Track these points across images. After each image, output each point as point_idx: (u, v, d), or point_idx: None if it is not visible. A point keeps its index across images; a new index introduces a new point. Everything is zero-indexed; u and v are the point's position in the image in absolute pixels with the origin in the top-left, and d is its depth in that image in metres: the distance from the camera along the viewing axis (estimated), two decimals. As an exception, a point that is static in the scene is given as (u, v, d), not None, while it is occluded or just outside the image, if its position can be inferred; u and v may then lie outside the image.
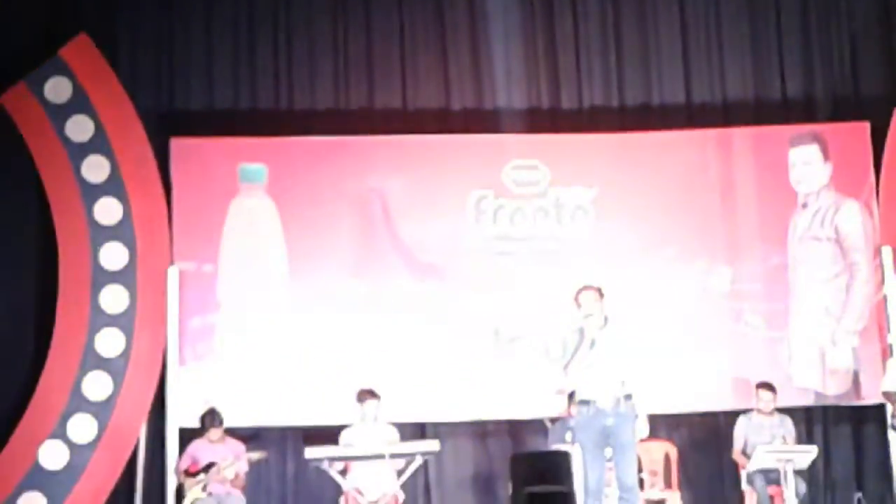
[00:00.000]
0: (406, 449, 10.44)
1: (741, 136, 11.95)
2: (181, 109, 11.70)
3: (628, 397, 8.41)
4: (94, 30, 11.17)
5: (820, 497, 11.54)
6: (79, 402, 10.65)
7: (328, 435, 10.67)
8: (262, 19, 11.91)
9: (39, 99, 11.00)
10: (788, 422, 11.03)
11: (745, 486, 10.92)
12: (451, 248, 11.56)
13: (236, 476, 10.44)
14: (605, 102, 12.19)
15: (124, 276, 10.96)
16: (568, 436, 10.24)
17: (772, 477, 10.64)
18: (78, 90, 11.05)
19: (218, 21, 11.86)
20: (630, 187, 11.69)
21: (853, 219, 11.75)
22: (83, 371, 10.69)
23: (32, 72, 11.01)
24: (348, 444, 10.50)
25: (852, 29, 12.34)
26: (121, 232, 11.00)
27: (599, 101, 12.19)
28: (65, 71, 11.04)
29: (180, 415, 10.87)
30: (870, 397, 11.44)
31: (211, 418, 10.53)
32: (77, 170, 10.97)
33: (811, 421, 11.74)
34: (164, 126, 11.44)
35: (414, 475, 10.62)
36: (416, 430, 11.32)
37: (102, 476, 10.58)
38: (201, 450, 10.52)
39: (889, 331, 11.37)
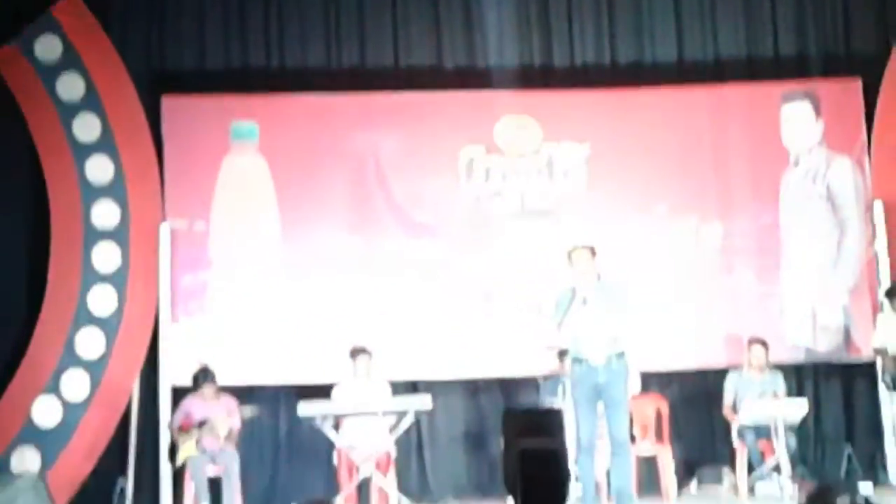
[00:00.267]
0: (398, 405, 10.49)
1: (733, 94, 11.96)
2: (172, 68, 11.69)
3: (620, 355, 8.46)
4: (85, -13, 11.14)
5: (810, 452, 11.60)
6: (72, 360, 10.67)
7: (321, 392, 10.71)
8: (254, -23, 11.87)
9: (30, 57, 10.96)
10: (779, 378, 11.08)
11: (735, 441, 10.97)
12: (443, 205, 11.57)
13: (229, 433, 10.47)
14: (597, 60, 12.18)
15: (116, 234, 10.95)
16: (560, 392, 10.31)
17: (762, 432, 10.69)
18: (69, 48, 11.02)
19: (209, -22, 11.83)
20: (622, 144, 11.69)
21: (845, 176, 11.76)
22: (76, 328, 10.71)
23: (23, 30, 10.96)
24: (340, 400, 10.54)
25: (845, -14, 12.33)
26: (112, 190, 10.99)
27: (591, 58, 12.18)
28: (55, 29, 11.00)
29: (173, 372, 10.90)
30: (860, 353, 11.49)
31: (203, 376, 10.56)
32: (68, 128, 10.94)
33: (802, 377, 11.80)
34: (155, 84, 11.42)
35: (406, 432, 10.67)
36: (409, 388, 11.35)
37: (96, 433, 10.61)
38: (194, 407, 10.55)
39: (880, 287, 11.40)
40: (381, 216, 11.55)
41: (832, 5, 12.32)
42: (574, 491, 8.29)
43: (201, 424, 10.40)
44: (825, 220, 11.72)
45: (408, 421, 10.45)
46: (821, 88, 11.93)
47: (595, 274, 8.56)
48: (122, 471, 10.81)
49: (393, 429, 10.50)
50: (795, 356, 11.59)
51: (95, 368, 10.70)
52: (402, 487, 10.73)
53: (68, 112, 10.96)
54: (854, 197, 11.72)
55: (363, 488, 10.66)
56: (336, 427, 10.50)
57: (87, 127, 10.97)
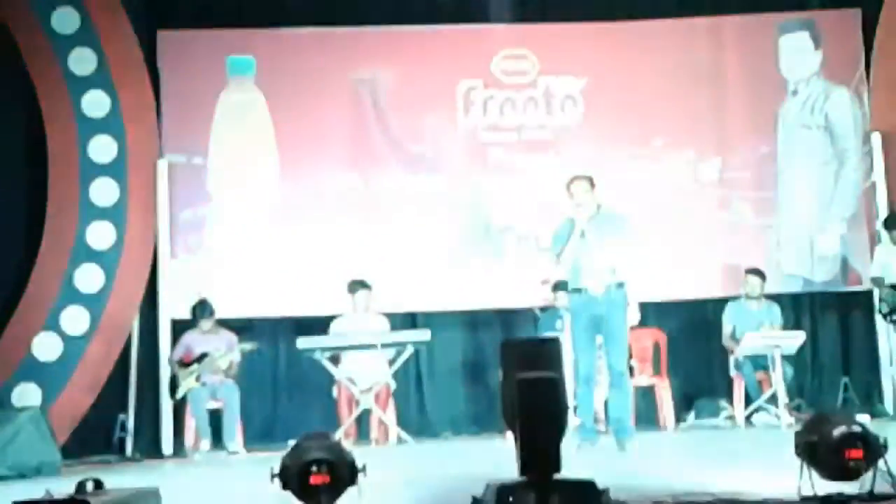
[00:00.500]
0: (397, 338, 10.54)
1: (731, 24, 11.89)
2: (168, 1, 11.59)
3: (620, 285, 8.47)
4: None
5: (807, 382, 11.66)
6: (71, 295, 10.67)
7: (320, 325, 10.76)
8: None
9: (24, -10, 10.89)
10: (776, 309, 11.12)
11: (733, 371, 11.04)
12: (441, 139, 11.55)
13: (229, 366, 10.55)
14: (594, -9, 12.11)
15: (114, 169, 10.92)
16: (558, 324, 10.35)
17: (760, 363, 10.76)
18: (64, -18, 10.95)
19: (204, -89, 11.71)
20: (619, 76, 11.66)
21: (843, 106, 11.74)
22: (75, 264, 10.70)
23: (17, -36, 10.90)
24: (338, 333, 10.58)
25: (845, -86, 12.22)
26: (109, 124, 10.94)
27: (588, -11, 12.10)
28: (50, -38, 10.93)
29: (172, 306, 10.93)
30: (857, 284, 11.52)
31: (202, 309, 10.60)
32: (64, 62, 10.87)
33: (799, 307, 11.83)
34: (150, 18, 11.33)
35: (405, 364, 10.72)
36: (407, 320, 11.40)
37: (96, 367, 10.63)
38: (194, 341, 10.60)
39: (877, 217, 11.40)
40: (379, 150, 11.54)
41: (831, -65, 12.22)
42: (572, 422, 8.36)
43: (201, 358, 10.46)
44: (823, 151, 11.71)
45: (407, 354, 10.50)
46: (820, 19, 11.88)
47: (594, 204, 8.55)
48: (123, 405, 10.85)
49: (392, 362, 10.55)
50: (793, 286, 11.62)
51: (95, 304, 10.71)
52: (401, 420, 10.80)
53: (63, 46, 10.88)
54: (852, 127, 11.70)
55: (362, 421, 10.72)
56: (335, 360, 10.54)
57: (82, 61, 10.90)
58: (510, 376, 4.49)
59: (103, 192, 10.87)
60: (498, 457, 5.86)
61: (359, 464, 4.55)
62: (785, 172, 11.67)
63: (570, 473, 4.43)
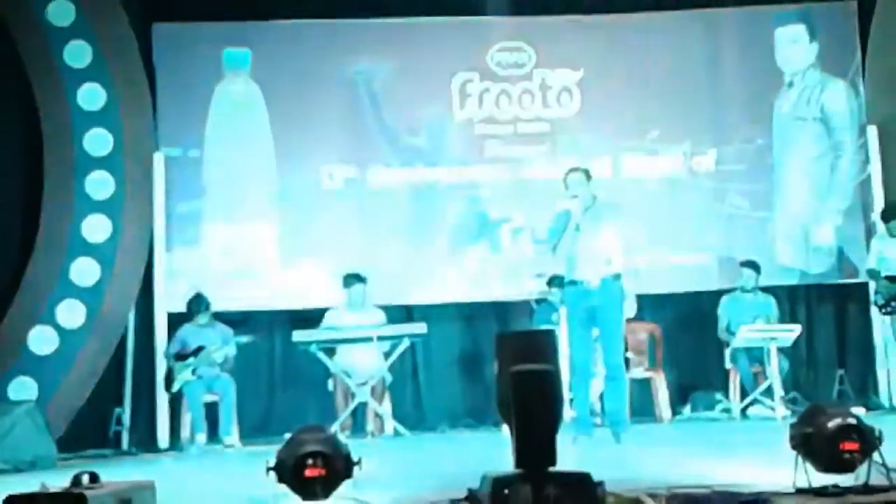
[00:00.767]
0: (393, 331, 10.54)
1: (727, 17, 11.89)
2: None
3: (616, 277, 8.44)
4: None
5: (802, 375, 11.67)
6: (67, 288, 10.66)
7: (316, 318, 10.76)
8: None
9: (20, -16, 10.88)
10: (771, 301, 11.13)
11: (728, 364, 11.05)
12: (437, 131, 11.55)
13: (225, 360, 10.55)
14: (590, -16, 12.09)
15: (110, 162, 10.91)
16: (554, 317, 10.35)
17: (755, 355, 10.77)
18: (59, -25, 10.94)
19: None
20: (615, 69, 11.67)
21: (839, 98, 11.74)
22: (71, 257, 10.68)
23: (12, -44, 10.88)
24: (332, 325, 10.58)
25: None
26: (105, 117, 10.92)
27: (585, -17, 12.09)
28: (45, -44, 10.91)
29: (168, 300, 10.93)
30: (853, 276, 11.52)
31: (197, 303, 10.60)
32: (59, 55, 10.85)
33: (795, 300, 11.84)
34: (146, 11, 11.31)
35: (401, 357, 10.72)
36: (404, 313, 11.40)
37: (92, 361, 10.61)
38: (190, 334, 10.60)
39: (873, 210, 11.41)
40: (376, 142, 11.54)
41: (828, -73, 12.21)
42: (568, 414, 8.36)
43: (197, 352, 10.45)
44: (819, 143, 11.71)
45: (403, 347, 10.50)
46: (815, 10, 11.89)
47: (590, 197, 8.52)
48: (119, 399, 10.86)
49: (388, 355, 10.55)
50: (789, 278, 11.62)
51: (91, 297, 10.70)
52: (397, 413, 10.80)
53: (59, 38, 10.86)
54: (848, 119, 11.71)
55: (358, 414, 10.72)
56: (330, 353, 10.54)
57: (78, 53, 10.88)
58: (505, 369, 4.48)
59: (99, 185, 10.85)
60: (493, 449, 5.88)
61: (354, 457, 4.56)
62: (780, 164, 11.68)
63: (566, 466, 4.44)
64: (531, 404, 4.41)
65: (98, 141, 10.88)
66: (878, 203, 11.36)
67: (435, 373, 11.68)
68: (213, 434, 10.37)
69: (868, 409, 10.43)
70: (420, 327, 10.53)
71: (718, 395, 11.14)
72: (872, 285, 10.89)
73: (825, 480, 4.50)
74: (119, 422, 10.79)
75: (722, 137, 11.68)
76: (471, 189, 11.47)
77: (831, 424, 4.53)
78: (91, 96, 10.89)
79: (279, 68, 11.46)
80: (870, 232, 11.38)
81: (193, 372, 10.41)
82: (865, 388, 11.50)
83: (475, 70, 11.62)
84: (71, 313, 10.62)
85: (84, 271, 10.70)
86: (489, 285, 11.36)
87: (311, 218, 11.29)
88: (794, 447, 4.61)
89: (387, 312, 10.89)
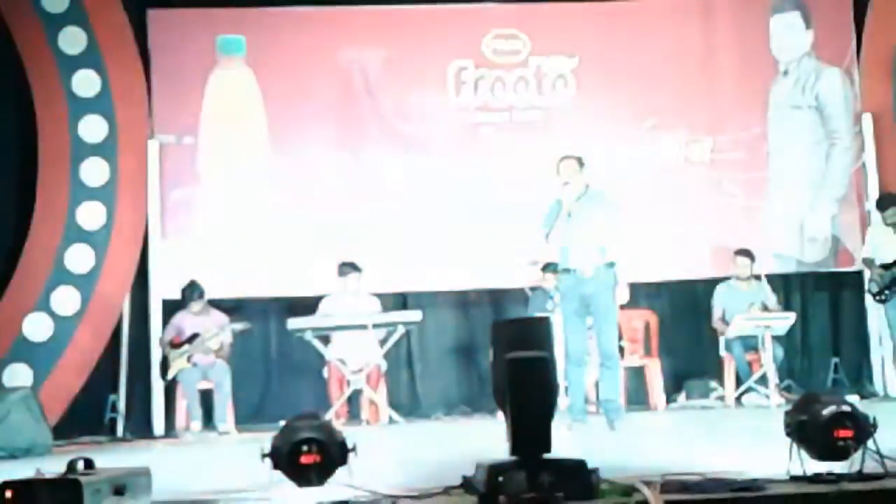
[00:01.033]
0: (388, 319, 10.54)
1: (723, 4, 11.88)
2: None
3: (609, 265, 8.44)
4: None
5: (797, 363, 11.70)
6: (62, 275, 10.66)
7: (311, 306, 10.76)
8: None
9: (14, -30, 10.85)
10: (767, 287, 11.12)
11: (723, 352, 11.07)
12: (432, 118, 11.54)
13: (220, 347, 10.55)
14: (585, -29, 12.08)
15: (104, 149, 10.90)
16: (549, 304, 10.36)
17: (750, 343, 10.78)
18: (53, -40, 10.91)
19: None
20: (611, 56, 11.66)
21: (834, 86, 11.75)
22: (66, 244, 10.69)
23: (5, -57, 10.85)
24: (327, 313, 10.58)
25: None
26: (99, 104, 10.91)
27: (580, -31, 12.07)
28: (39, -59, 10.88)
29: (163, 287, 10.92)
30: (848, 264, 11.54)
31: (192, 290, 10.60)
32: (54, 42, 10.84)
33: (789, 288, 11.85)
34: (141, -4, 11.32)
35: (396, 345, 10.73)
36: (398, 301, 11.42)
37: (87, 348, 10.63)
38: (185, 321, 10.61)
39: (867, 198, 11.42)
40: (370, 130, 11.53)
41: (823, -86, 12.19)
42: (563, 402, 8.37)
43: (192, 339, 10.46)
44: (814, 131, 11.72)
45: (398, 334, 10.51)
46: (811, -1, 11.89)
47: (583, 184, 8.51)
48: (114, 386, 10.86)
49: (383, 342, 10.55)
50: (784, 267, 11.63)
51: (85, 284, 10.70)
52: (392, 401, 10.81)
53: (53, 25, 10.84)
54: (843, 108, 11.72)
55: (353, 401, 10.73)
56: (325, 341, 10.55)
57: (72, 40, 10.87)
58: (501, 356, 4.49)
59: (94, 172, 10.85)
60: (488, 436, 5.87)
61: (349, 444, 4.56)
62: (776, 153, 11.68)
63: (561, 453, 4.44)
64: (526, 391, 4.42)
65: (93, 128, 10.87)
66: (873, 191, 11.36)
67: (430, 360, 11.70)
68: (208, 421, 10.40)
69: (862, 396, 10.47)
70: (415, 315, 10.53)
71: (713, 383, 11.16)
72: (867, 273, 10.90)
73: (819, 468, 4.51)
74: (114, 408, 10.81)
75: (717, 126, 11.68)
76: (466, 176, 11.45)
77: (825, 412, 4.54)
78: (85, 83, 10.89)
79: (274, 55, 11.44)
80: (864, 220, 11.38)
81: (188, 359, 10.42)
82: (860, 376, 11.53)
83: (470, 57, 11.61)
84: (66, 300, 10.63)
85: (79, 258, 10.70)
86: (484, 273, 11.35)
87: (306, 204, 11.28)
88: (788, 434, 4.62)
89: (382, 300, 10.89)
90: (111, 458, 5.53)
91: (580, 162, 8.55)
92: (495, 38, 11.63)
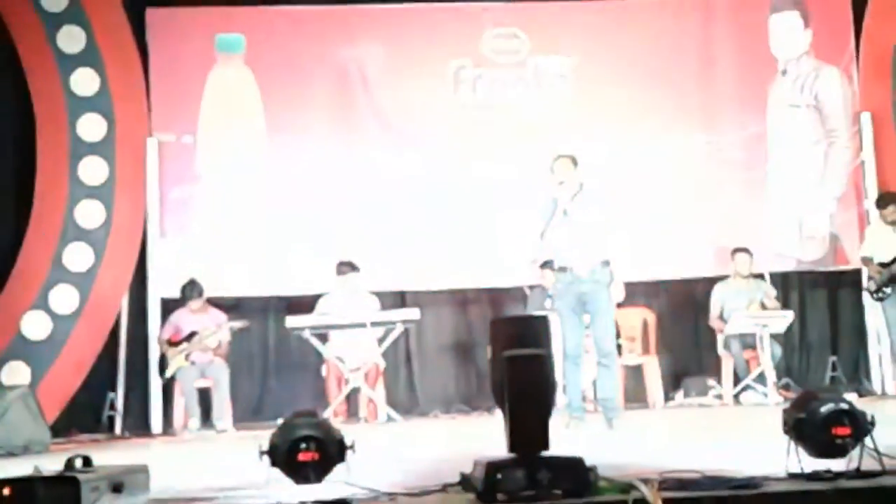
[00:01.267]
0: (386, 317, 10.54)
1: (721, 3, 11.88)
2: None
3: (605, 263, 8.42)
4: None
5: (795, 360, 11.70)
6: (60, 274, 10.66)
7: (309, 304, 10.77)
8: None
9: (12, -31, 10.85)
10: (765, 285, 11.13)
11: (721, 350, 11.07)
12: (431, 117, 11.54)
13: (218, 345, 10.56)
14: (584, -30, 12.07)
15: (103, 148, 10.91)
16: (547, 303, 10.37)
17: (748, 341, 10.80)
18: (52, -40, 10.91)
19: None
20: (610, 55, 11.66)
21: (833, 85, 11.74)
22: (64, 242, 10.69)
23: (5, -58, 10.85)
24: (325, 311, 10.58)
25: None
26: (98, 103, 10.92)
27: (579, -31, 12.07)
28: (38, -60, 10.88)
29: (161, 285, 10.93)
30: (846, 262, 11.54)
31: (191, 289, 10.61)
32: (52, 40, 10.84)
33: (788, 286, 11.85)
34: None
35: (394, 343, 10.73)
36: (397, 299, 11.42)
37: (85, 346, 10.64)
38: (183, 319, 10.61)
39: (866, 197, 11.42)
40: (368, 128, 11.53)
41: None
42: (561, 400, 8.37)
43: (190, 337, 10.46)
44: (813, 130, 11.72)
45: (396, 333, 10.51)
46: (810, -2, 11.90)
47: (577, 183, 8.49)
48: (112, 384, 10.87)
49: (381, 341, 10.56)
50: (782, 265, 11.63)
51: (84, 282, 10.71)
52: (391, 399, 10.82)
53: (52, 23, 10.85)
54: (842, 106, 11.71)
55: (352, 399, 10.74)
56: (323, 339, 10.55)
57: (71, 38, 10.88)
58: (499, 354, 4.49)
59: (92, 170, 10.86)
60: (487, 434, 5.87)
61: (347, 441, 4.56)
62: (775, 152, 11.68)
63: (559, 451, 4.44)
64: (524, 389, 4.42)
65: (91, 126, 10.89)
66: (872, 190, 11.37)
67: (428, 358, 11.71)
68: (207, 419, 10.41)
69: (860, 394, 10.47)
70: (413, 313, 10.53)
71: (711, 381, 11.16)
72: (865, 272, 10.90)
73: (817, 465, 4.51)
74: (112, 406, 10.82)
75: (716, 125, 11.68)
76: (464, 175, 11.44)
77: (823, 410, 4.54)
78: (84, 81, 10.90)
79: (273, 53, 11.45)
80: (863, 219, 11.39)
81: (187, 357, 10.43)
82: (857, 374, 11.54)
83: (469, 56, 11.61)
84: (64, 298, 10.63)
85: (77, 257, 10.71)
86: (482, 271, 11.35)
87: (305, 203, 11.28)
88: (786, 432, 4.62)
89: (380, 298, 10.90)
90: (109, 456, 5.55)
91: (574, 161, 8.53)
92: (494, 37, 11.63)
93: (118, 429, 10.64)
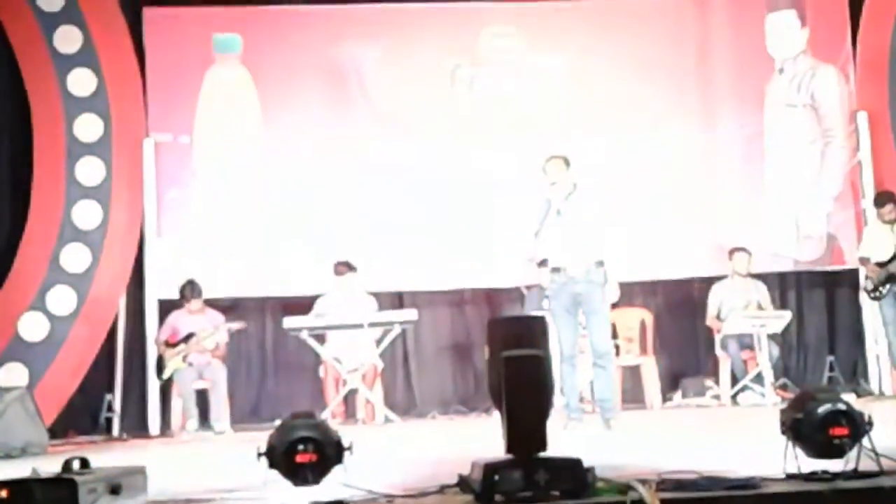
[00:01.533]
0: (384, 318, 10.54)
1: (718, 2, 11.88)
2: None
3: (599, 263, 8.40)
4: None
5: (793, 360, 11.70)
6: (57, 275, 10.65)
7: (307, 305, 10.76)
8: None
9: (9, -31, 10.84)
10: (762, 286, 11.14)
11: (719, 350, 11.08)
12: (428, 117, 11.52)
13: (216, 346, 10.55)
14: (580, -31, 12.07)
15: (100, 148, 10.90)
16: (544, 303, 10.34)
17: (745, 341, 10.80)
18: (48, -41, 10.90)
19: None
20: (606, 54, 11.66)
21: (830, 84, 11.74)
22: (61, 243, 10.68)
23: (1, -58, 10.84)
24: (323, 312, 10.58)
25: None
26: (95, 103, 10.91)
27: (575, -32, 12.07)
28: (34, -60, 10.87)
29: (159, 286, 10.92)
30: (843, 262, 11.54)
31: (190, 289, 10.60)
32: (49, 40, 10.83)
33: (785, 286, 11.85)
34: (136, -5, 11.31)
35: (392, 344, 10.73)
36: (394, 300, 11.41)
37: (83, 347, 10.63)
38: (181, 321, 10.60)
39: (863, 196, 11.42)
40: (366, 128, 11.52)
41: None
42: (558, 400, 8.36)
43: (188, 338, 10.46)
44: (809, 129, 11.71)
45: (394, 334, 10.50)
46: (806, -3, 11.89)
47: (570, 184, 8.48)
48: (110, 385, 10.86)
49: (379, 342, 10.55)
50: (779, 265, 11.63)
51: (81, 283, 10.69)
52: (389, 400, 10.82)
53: (49, 24, 10.83)
54: (839, 105, 11.71)
55: (349, 400, 10.74)
56: (321, 340, 10.54)
57: (68, 39, 10.86)
58: (497, 354, 4.48)
59: (89, 171, 10.85)
60: (484, 435, 5.87)
61: (345, 443, 4.56)
62: (771, 151, 11.68)
63: (557, 452, 4.44)
64: (522, 390, 4.42)
65: (88, 126, 10.87)
66: (869, 189, 11.36)
67: (425, 359, 11.70)
68: (205, 420, 10.39)
69: (858, 394, 10.46)
70: (411, 314, 10.54)
71: (708, 382, 11.16)
72: (863, 271, 10.89)
73: (815, 466, 4.51)
74: (110, 408, 10.81)
75: (713, 122, 11.69)
76: (461, 175, 11.44)
77: (821, 410, 4.54)
78: (81, 82, 10.89)
79: (269, 53, 11.44)
80: (860, 218, 11.38)
81: (184, 358, 10.42)
82: (855, 374, 11.53)
83: (466, 55, 11.60)
84: (61, 300, 10.62)
85: (74, 258, 10.70)
86: (480, 272, 11.34)
87: (302, 204, 11.27)
88: (783, 433, 4.62)
89: (377, 299, 10.89)
90: (107, 458, 5.53)
91: (566, 161, 8.52)
92: (492, 36, 11.62)
93: (116, 430, 10.63)
